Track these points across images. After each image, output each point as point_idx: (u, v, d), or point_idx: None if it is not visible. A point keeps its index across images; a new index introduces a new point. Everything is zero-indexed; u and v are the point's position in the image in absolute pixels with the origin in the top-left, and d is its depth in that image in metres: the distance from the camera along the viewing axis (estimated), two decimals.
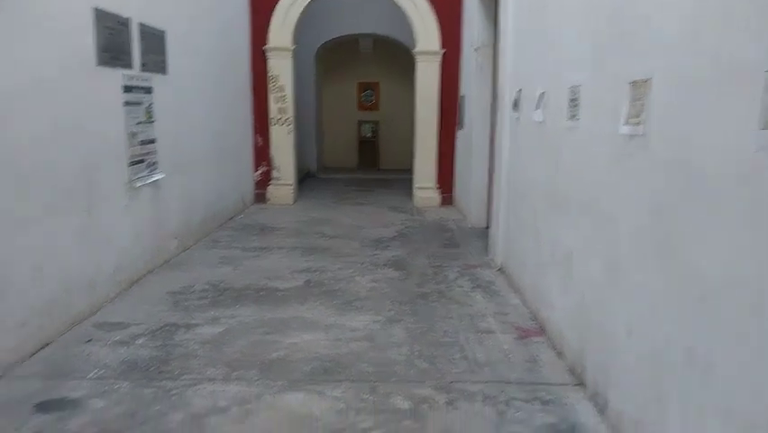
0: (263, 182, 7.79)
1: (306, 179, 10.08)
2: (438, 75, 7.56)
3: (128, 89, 4.05)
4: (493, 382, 2.78)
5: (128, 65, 4.07)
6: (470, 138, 6.65)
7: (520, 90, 4.15)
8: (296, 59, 7.83)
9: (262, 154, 7.75)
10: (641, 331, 2.11)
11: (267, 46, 7.44)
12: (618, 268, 2.32)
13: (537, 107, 3.56)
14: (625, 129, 2.21)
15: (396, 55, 11.37)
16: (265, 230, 6.16)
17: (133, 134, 4.11)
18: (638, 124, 2.09)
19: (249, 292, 4.05)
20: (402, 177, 10.66)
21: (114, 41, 3.86)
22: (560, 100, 3.16)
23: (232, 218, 6.68)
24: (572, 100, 2.92)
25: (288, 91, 7.57)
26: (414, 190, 7.96)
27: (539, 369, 2.95)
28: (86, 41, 3.56)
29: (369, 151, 12.22)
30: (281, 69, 7.51)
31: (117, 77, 3.92)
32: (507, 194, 4.58)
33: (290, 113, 7.63)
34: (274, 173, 7.75)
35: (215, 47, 6.13)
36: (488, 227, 6.23)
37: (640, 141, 2.11)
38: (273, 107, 7.60)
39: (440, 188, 7.85)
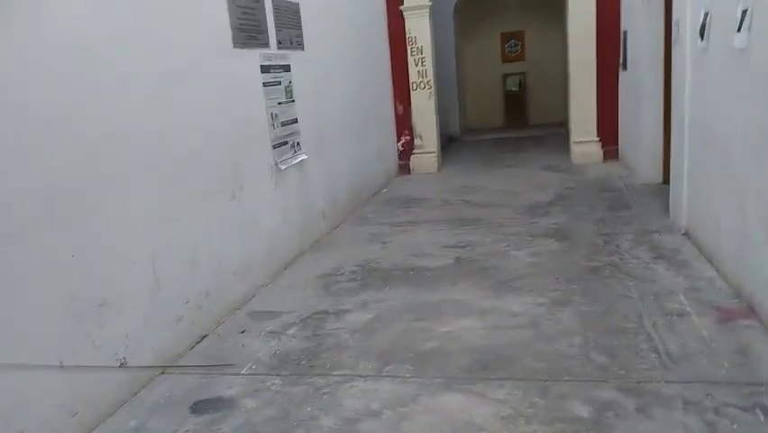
0: (406, 152, 7.55)
1: (449, 144, 9.69)
2: (594, 9, 6.64)
3: (266, 69, 3.96)
4: (695, 383, 2.25)
5: (264, 43, 3.98)
6: (637, 80, 5.76)
7: (707, 13, 3.35)
8: (433, 17, 7.39)
9: (404, 123, 7.49)
10: None
11: (403, 6, 7.09)
12: None
13: (739, 30, 2.80)
14: None
15: None
16: (411, 202, 5.93)
17: (275, 116, 4.04)
18: None
19: (397, 273, 3.83)
20: (555, 132, 9.82)
21: (247, 20, 3.76)
22: None
23: (377, 193, 6.55)
24: None
25: (428, 53, 7.18)
26: (571, 146, 7.20)
27: (754, 363, 2.35)
28: (221, 22, 3.49)
29: (516, 106, 11.43)
30: (419, 29, 7.13)
31: (254, 57, 3.84)
32: (691, 143, 3.80)
33: (430, 75, 7.25)
34: (416, 142, 7.47)
35: (350, 14, 5.92)
36: (664, 183, 5.39)
37: None
38: (413, 72, 7.27)
39: (601, 140, 7.00)
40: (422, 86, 7.27)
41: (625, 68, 6.39)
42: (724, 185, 3.16)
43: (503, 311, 3.06)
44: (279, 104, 4.12)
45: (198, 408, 2.39)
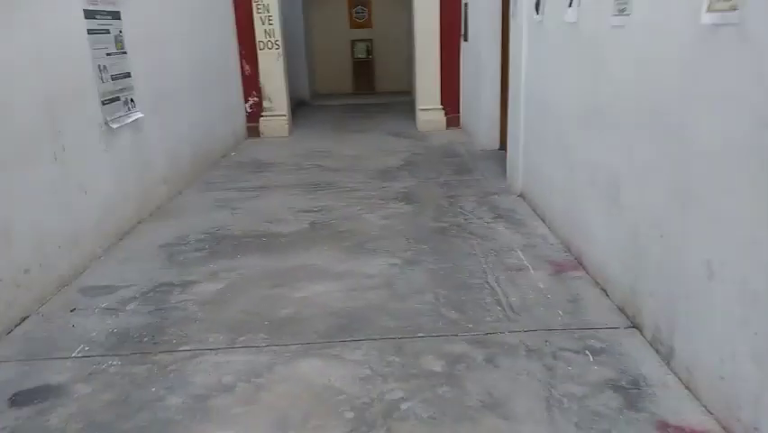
0: (255, 114, 7.25)
1: (299, 107, 9.49)
2: None
3: (90, 14, 3.49)
4: (535, 331, 2.44)
5: None
6: (477, 51, 6.05)
7: None
8: None
9: (252, 84, 7.16)
10: (728, 272, 1.73)
11: None
12: (693, 194, 1.91)
13: (570, 5, 3.02)
14: (708, 18, 1.73)
15: None
16: (261, 167, 5.71)
17: (104, 68, 3.59)
18: (733, 9, 1.60)
19: (249, 240, 3.67)
20: (402, 99, 10.07)
21: None
22: None
23: (224, 156, 6.22)
24: None
25: (274, 11, 6.88)
26: (417, 113, 7.42)
27: (583, 311, 2.61)
28: None
29: (364, 73, 11.51)
30: None
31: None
32: (527, 112, 4.09)
33: (278, 35, 6.97)
34: (265, 104, 7.19)
35: None
36: (501, 149, 5.79)
37: (732, 32, 1.64)
38: (259, 30, 6.93)
39: (445, 108, 7.31)
40: (269, 45, 6.97)
41: (466, 39, 6.68)
42: (557, 152, 3.44)
43: (358, 273, 3.07)
44: (108, 55, 3.67)
45: (19, 399, 2.08)
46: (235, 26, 6.91)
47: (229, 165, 5.83)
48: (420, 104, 7.33)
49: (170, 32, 4.86)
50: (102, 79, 3.56)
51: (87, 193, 3.42)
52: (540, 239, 3.45)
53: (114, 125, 3.67)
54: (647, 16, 2.20)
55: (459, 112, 7.29)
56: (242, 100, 7.16)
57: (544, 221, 3.71)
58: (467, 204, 4.19)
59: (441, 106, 7.29)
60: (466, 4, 6.58)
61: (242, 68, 7.08)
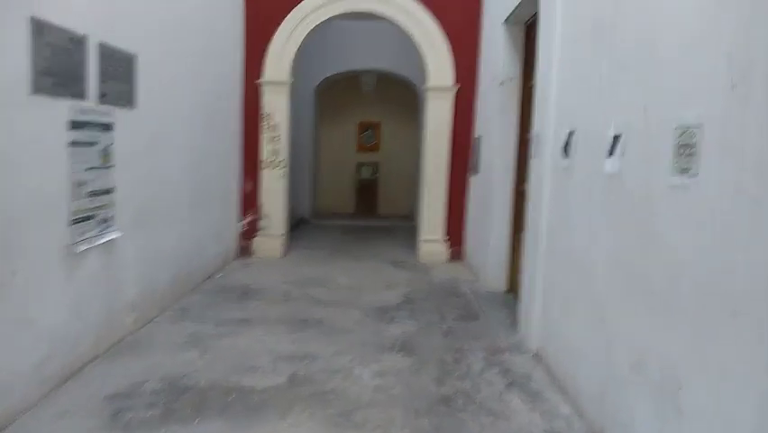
0: (250, 232, 6.87)
1: (298, 225, 9.18)
2: (451, 113, 6.75)
3: (78, 126, 3.16)
4: None
5: (79, 95, 3.20)
6: (487, 186, 5.78)
7: (572, 132, 3.29)
8: (293, 96, 7.03)
9: (251, 201, 6.85)
10: None
11: (261, 80, 6.64)
12: None
13: (611, 154, 2.67)
14: None
15: (399, 93, 10.66)
16: (247, 294, 5.21)
17: (80, 183, 3.21)
18: None
19: (215, 395, 3.08)
20: (403, 224, 9.81)
21: (59, 63, 2.99)
22: (654, 145, 2.28)
23: (210, 277, 5.74)
24: (684, 146, 2.03)
25: (283, 130, 6.73)
26: (419, 243, 7.04)
27: None
28: (18, 60, 2.70)
29: (367, 195, 11.37)
30: (276, 105, 6.69)
31: (61, 109, 3.04)
32: (548, 262, 3.66)
33: (284, 154, 6.77)
34: (262, 223, 6.84)
35: (201, 78, 5.29)
36: (509, 292, 5.32)
37: None
38: (266, 148, 6.75)
39: (448, 240, 6.94)
40: (274, 164, 6.75)
41: (476, 172, 6.46)
42: (586, 317, 2.95)
43: None
44: (90, 169, 3.30)
45: None
46: (241, 141, 6.73)
47: (212, 289, 5.33)
48: (423, 234, 6.98)
49: (167, 146, 4.58)
50: (75, 196, 3.16)
51: (33, 325, 2.90)
52: (564, 423, 2.86)
53: (81, 248, 3.22)
54: (719, 177, 1.81)
55: (463, 246, 6.92)
56: (238, 218, 6.81)
57: (566, 395, 3.13)
58: (475, 362, 3.63)
59: (445, 238, 6.93)
60: (479, 138, 6.42)
61: (243, 184, 6.81)
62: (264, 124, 6.70)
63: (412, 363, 3.60)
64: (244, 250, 6.84)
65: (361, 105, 11.23)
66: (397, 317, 4.60)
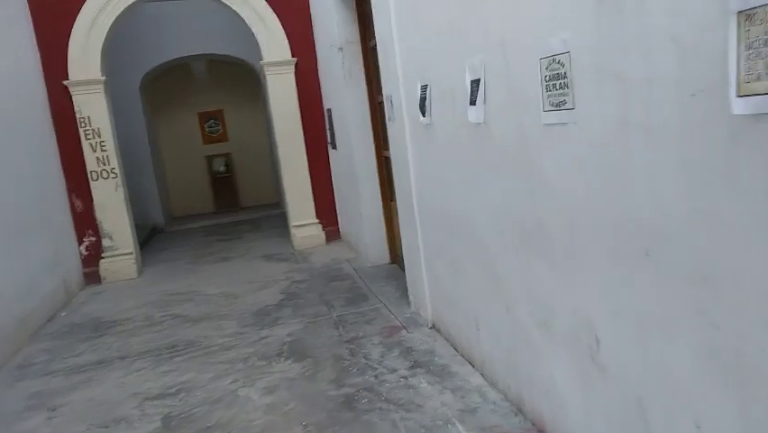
0: (93, 257, 5.97)
1: (151, 237, 8.28)
2: (294, 88, 6.28)
3: None
4: None
5: None
6: (349, 158, 5.45)
7: (425, 86, 3.02)
8: (113, 94, 6.14)
9: (86, 221, 5.93)
10: None
11: (68, 80, 5.67)
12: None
13: (473, 103, 2.42)
14: (741, 106, 1.12)
15: (238, 75, 9.92)
16: (100, 328, 4.46)
17: None
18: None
19: None
20: (270, 213, 9.25)
21: None
22: (519, 83, 2.04)
23: (51, 318, 4.86)
24: (553, 78, 1.81)
25: (108, 136, 5.85)
26: (291, 230, 6.59)
27: None
28: None
29: (225, 189, 10.56)
30: (93, 108, 5.76)
31: None
32: (425, 227, 3.42)
33: (114, 162, 5.90)
34: (105, 242, 5.96)
35: None
36: (393, 263, 5.09)
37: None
38: (90, 159, 5.83)
39: (321, 222, 6.56)
40: (104, 174, 5.87)
41: (334, 146, 6.11)
42: (478, 277, 2.74)
43: None
44: None
45: None
46: (59, 156, 5.75)
47: (57, 332, 4.49)
48: (294, 219, 6.53)
49: None
50: None
51: None
52: (478, 396, 2.65)
53: None
54: (601, 109, 1.60)
55: (338, 224, 6.58)
56: (76, 243, 5.88)
57: (473, 365, 2.94)
58: (373, 350, 3.32)
59: (317, 220, 6.54)
60: (329, 110, 6.05)
61: (71, 203, 5.86)
62: (83, 131, 5.77)
63: (304, 369, 3.21)
64: (91, 277, 5.93)
65: (197, 94, 10.30)
66: (279, 317, 4.16)
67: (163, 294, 5.22)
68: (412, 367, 3.03)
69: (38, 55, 5.62)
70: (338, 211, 6.53)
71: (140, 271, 6.14)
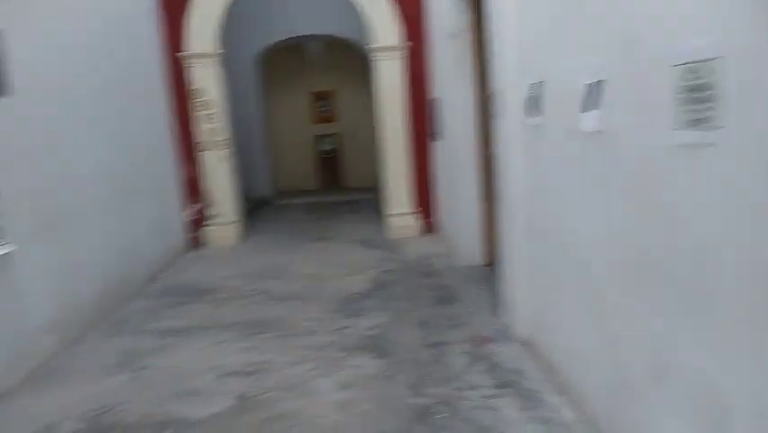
0: (198, 223, 6.21)
1: (259, 208, 8.53)
2: (402, 75, 6.12)
3: None
4: None
5: None
6: (452, 151, 5.21)
7: (539, 85, 2.73)
8: (229, 68, 6.32)
9: (194, 188, 6.17)
10: None
11: (184, 53, 5.88)
12: None
13: (588, 110, 2.12)
14: None
15: (352, 58, 9.94)
16: (194, 295, 4.59)
17: None
18: None
19: None
20: (371, 196, 9.22)
21: None
22: (649, 91, 1.73)
23: (154, 278, 5.09)
24: (695, 89, 1.49)
25: (219, 107, 6.02)
26: (387, 218, 6.48)
27: None
28: None
29: (330, 169, 10.72)
30: (206, 80, 5.96)
31: None
32: (530, 238, 3.14)
33: (225, 133, 6.08)
34: (210, 210, 6.18)
35: (106, 54, 4.55)
36: (487, 265, 4.82)
37: None
38: (202, 128, 6.04)
39: (419, 212, 6.40)
40: (213, 145, 6.06)
41: (438, 138, 5.89)
42: (581, 305, 2.44)
43: None
44: None
45: None
46: (173, 125, 6.00)
47: (156, 293, 4.70)
48: (391, 208, 6.42)
49: (72, 137, 3.88)
50: None
51: None
52: (568, 432, 2.38)
53: None
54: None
55: (435, 217, 6.39)
56: (182, 208, 6.13)
57: (568, 395, 2.64)
58: (456, 360, 3.11)
59: (414, 211, 6.38)
60: (437, 100, 5.83)
61: (181, 171, 6.12)
62: (196, 102, 5.97)
63: (383, 367, 3.07)
64: (195, 242, 6.19)
65: (311, 74, 10.48)
66: (365, 307, 4.05)
67: (258, 266, 5.31)
68: (498, 386, 2.79)
69: (157, 26, 5.85)
70: (435, 204, 6.33)
71: (239, 241, 6.31)
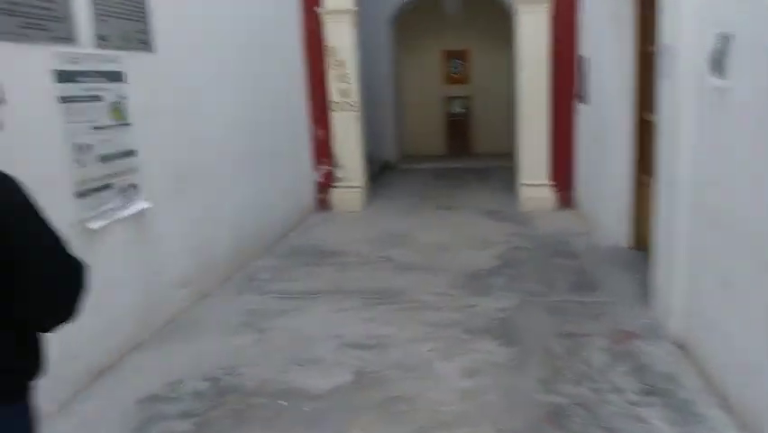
0: (326, 184, 6.24)
1: (382, 171, 8.45)
2: (548, 29, 5.58)
3: (68, 77, 2.56)
4: None
5: (65, 37, 2.58)
6: (600, 116, 4.69)
7: (727, 37, 2.22)
8: (362, 27, 6.15)
9: (323, 149, 6.18)
10: None
11: (321, 8, 5.80)
12: None
13: None
14: None
15: (490, 14, 9.34)
16: (319, 257, 4.59)
17: (85, 147, 2.64)
18: None
19: (262, 401, 2.49)
20: (502, 164, 8.74)
21: None
22: None
23: (284, 236, 5.18)
24: None
25: (351, 67, 5.92)
26: (519, 188, 6.07)
27: None
28: None
29: (459, 133, 10.33)
30: (341, 38, 5.85)
31: (38, 57, 2.42)
32: (694, 218, 2.67)
33: (355, 94, 5.98)
34: (337, 173, 6.17)
35: (243, 9, 4.56)
36: (636, 249, 4.30)
37: None
38: (333, 88, 5.98)
39: (555, 184, 5.91)
40: (345, 106, 5.99)
41: (584, 101, 5.33)
42: (760, 309, 1.99)
43: None
44: (97, 129, 2.72)
45: None
46: (307, 82, 5.99)
47: (284, 252, 4.77)
48: (523, 177, 5.99)
49: (210, 94, 3.94)
50: (80, 163, 2.59)
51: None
52: None
53: (96, 224, 2.67)
54: None
55: (574, 189, 5.87)
56: (312, 168, 6.18)
57: (730, 414, 2.22)
58: (595, 355, 2.76)
59: (550, 182, 5.90)
60: (584, 58, 5.25)
61: (313, 130, 6.13)
62: (330, 60, 5.90)
63: (511, 356, 2.81)
64: (322, 203, 6.23)
65: (445, 31, 10.03)
66: (493, 286, 3.78)
67: (382, 232, 5.21)
68: (645, 392, 2.42)
69: None
70: (576, 175, 5.80)
71: (365, 205, 6.26)
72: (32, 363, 1.14)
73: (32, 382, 1.16)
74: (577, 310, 3.30)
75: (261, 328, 3.25)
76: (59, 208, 2.49)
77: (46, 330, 1.15)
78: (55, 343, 2.42)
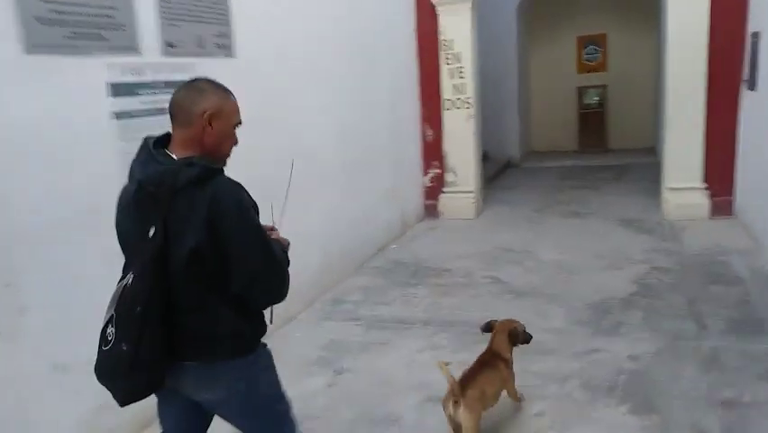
0: (435, 189, 5.73)
1: (502, 172, 7.75)
2: (707, 3, 4.58)
3: (125, 90, 2.32)
4: None
5: (125, 47, 2.35)
6: None
7: None
8: (485, 19, 5.56)
9: (433, 151, 5.67)
10: None
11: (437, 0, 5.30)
12: None
13: None
14: None
15: None
16: (419, 275, 4.11)
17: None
18: None
19: None
20: (641, 160, 7.66)
21: (79, 5, 2.15)
22: None
23: (383, 248, 4.77)
24: None
25: (467, 62, 5.34)
26: (663, 192, 5.11)
27: None
28: None
29: (593, 127, 9.24)
30: (456, 30, 5.31)
31: (90, 70, 2.20)
32: None
33: (470, 91, 5.39)
34: (448, 177, 5.62)
35: (347, 7, 4.18)
36: None
37: None
38: (447, 85, 5.44)
39: (710, 188, 4.88)
40: (458, 104, 5.43)
41: (752, 87, 4.29)
42: None
43: None
44: None
45: None
46: (418, 80, 5.52)
47: (380, 268, 4.34)
48: (670, 180, 5.03)
49: (300, 97, 3.61)
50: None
51: None
52: None
53: None
54: None
55: (733, 195, 4.80)
56: (421, 172, 5.70)
57: None
58: None
59: (704, 185, 4.89)
60: (757, 34, 4.21)
61: (423, 131, 5.65)
62: (444, 55, 5.36)
63: (645, 430, 2.12)
64: (430, 210, 5.73)
65: (579, 14, 9.02)
66: (624, 323, 3.06)
67: (493, 247, 4.59)
68: None
69: None
70: (739, 177, 4.73)
71: (478, 212, 5.66)
72: (254, 326, 1.48)
73: (258, 339, 1.49)
74: (740, 362, 2.50)
75: (339, 368, 2.83)
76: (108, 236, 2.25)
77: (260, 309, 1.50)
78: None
